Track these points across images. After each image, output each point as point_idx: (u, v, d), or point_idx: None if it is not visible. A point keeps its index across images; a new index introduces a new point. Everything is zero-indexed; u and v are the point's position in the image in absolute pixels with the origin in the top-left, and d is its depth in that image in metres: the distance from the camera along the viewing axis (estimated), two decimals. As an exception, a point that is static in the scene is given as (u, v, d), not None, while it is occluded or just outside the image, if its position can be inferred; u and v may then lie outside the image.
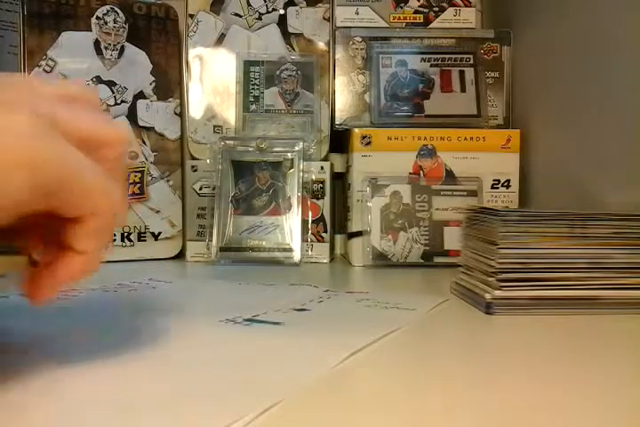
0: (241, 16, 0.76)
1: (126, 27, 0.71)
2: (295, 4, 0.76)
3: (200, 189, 0.72)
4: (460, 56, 0.75)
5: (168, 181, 0.73)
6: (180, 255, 0.73)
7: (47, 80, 0.27)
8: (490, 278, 0.42)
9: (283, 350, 0.32)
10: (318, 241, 0.72)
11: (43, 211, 0.23)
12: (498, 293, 0.41)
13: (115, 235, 0.70)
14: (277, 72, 0.75)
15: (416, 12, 0.79)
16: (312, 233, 0.72)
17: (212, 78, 0.76)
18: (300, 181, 0.70)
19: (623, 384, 0.28)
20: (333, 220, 0.75)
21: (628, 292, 0.42)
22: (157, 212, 0.72)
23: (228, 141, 0.72)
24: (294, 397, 0.25)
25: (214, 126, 0.75)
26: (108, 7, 0.70)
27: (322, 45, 0.77)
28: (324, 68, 0.76)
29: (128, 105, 0.71)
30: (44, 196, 0.23)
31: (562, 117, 0.65)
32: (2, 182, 0.21)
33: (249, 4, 0.76)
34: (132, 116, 0.71)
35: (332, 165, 0.74)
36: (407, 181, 0.69)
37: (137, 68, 0.72)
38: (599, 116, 0.57)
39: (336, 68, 0.76)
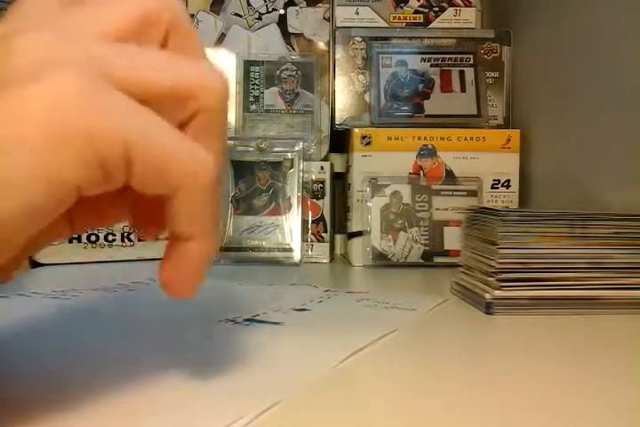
0: (241, 16, 0.76)
1: (126, 27, 0.71)
2: (295, 4, 0.76)
3: (200, 189, 0.72)
4: (459, 56, 0.75)
5: (168, 181, 0.73)
6: (180, 255, 0.73)
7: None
8: (490, 278, 0.42)
9: (283, 350, 0.32)
10: (318, 241, 0.72)
11: (125, 190, 0.20)
12: (498, 293, 0.41)
13: (115, 235, 0.70)
14: (277, 72, 0.75)
15: (416, 12, 0.79)
16: (312, 233, 0.72)
17: (212, 78, 0.76)
18: (300, 181, 0.70)
19: (623, 384, 0.28)
20: (333, 220, 0.75)
21: (628, 292, 0.42)
22: (157, 212, 0.72)
23: (228, 141, 0.72)
24: (294, 397, 0.24)
25: (214, 126, 0.75)
26: (108, 7, 0.70)
27: (322, 45, 0.77)
28: (324, 68, 0.76)
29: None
30: (105, 173, 0.18)
31: (562, 117, 0.65)
32: (46, 165, 0.17)
33: (249, 4, 0.76)
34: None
35: (332, 165, 0.74)
36: (407, 181, 0.69)
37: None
38: (599, 116, 0.57)
39: (336, 68, 0.76)
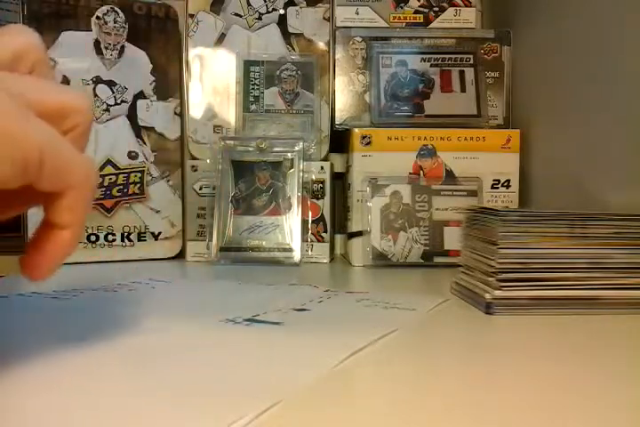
0: (241, 16, 0.76)
1: (126, 26, 0.71)
2: (295, 4, 0.76)
3: (200, 189, 0.72)
4: (459, 56, 0.75)
5: (168, 181, 0.73)
6: (180, 255, 0.73)
7: None
8: (490, 278, 0.42)
9: (283, 351, 0.32)
10: (318, 241, 0.72)
11: (23, 188, 0.24)
12: (498, 293, 0.41)
13: (115, 235, 0.70)
14: (277, 72, 0.75)
15: (416, 12, 0.79)
16: (312, 233, 0.72)
17: (212, 78, 0.76)
18: (300, 181, 0.70)
19: (623, 384, 0.28)
20: (333, 220, 0.75)
21: (628, 292, 0.42)
22: (157, 212, 0.72)
23: (227, 141, 0.72)
24: (294, 397, 0.25)
25: (214, 126, 0.75)
26: (108, 7, 0.70)
27: (322, 45, 0.77)
28: (324, 68, 0.76)
29: (128, 105, 0.71)
30: (23, 171, 0.23)
31: (562, 117, 0.65)
32: None
33: (249, 4, 0.76)
34: (131, 116, 0.71)
35: (332, 165, 0.74)
36: (407, 181, 0.69)
37: (137, 67, 0.72)
38: (599, 116, 0.57)
39: (336, 68, 0.76)
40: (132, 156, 0.71)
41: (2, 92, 0.23)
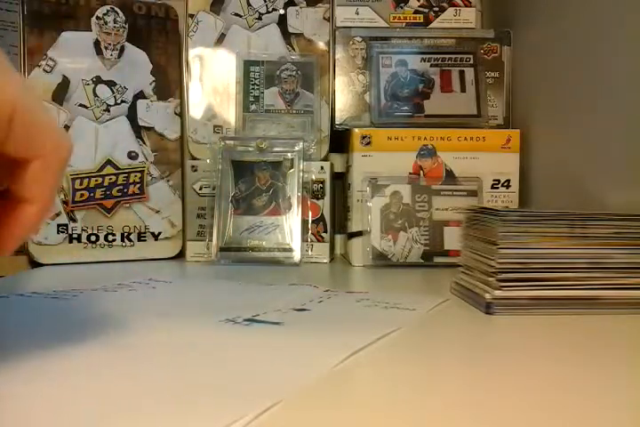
0: (241, 16, 0.76)
1: (126, 27, 0.71)
2: (295, 4, 0.76)
3: (200, 189, 0.72)
4: (460, 56, 0.75)
5: (168, 181, 0.73)
6: (180, 255, 0.73)
7: None
8: (490, 278, 0.42)
9: (283, 350, 0.32)
10: (318, 241, 0.72)
11: None
12: (498, 293, 0.41)
13: (115, 235, 0.70)
14: (277, 72, 0.75)
15: (416, 12, 0.79)
16: (312, 233, 0.72)
17: (212, 78, 0.76)
18: (300, 181, 0.70)
19: (623, 384, 0.28)
20: (333, 220, 0.75)
21: (628, 292, 0.42)
22: (157, 212, 0.72)
23: (228, 141, 0.72)
24: (294, 397, 0.25)
25: (214, 126, 0.75)
26: (108, 7, 0.70)
27: (322, 45, 0.77)
28: (324, 68, 0.76)
29: (128, 105, 0.71)
30: None
31: (562, 117, 0.65)
32: None
33: (249, 4, 0.76)
34: (131, 116, 0.71)
35: (332, 165, 0.74)
36: (407, 181, 0.69)
37: (137, 67, 0.72)
38: (599, 116, 0.57)
39: (336, 68, 0.76)
40: (132, 156, 0.71)
41: None
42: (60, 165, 0.25)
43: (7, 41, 0.72)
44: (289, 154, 0.71)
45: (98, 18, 0.69)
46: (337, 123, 0.75)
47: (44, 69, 0.67)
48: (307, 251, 0.71)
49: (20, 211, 0.25)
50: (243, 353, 0.31)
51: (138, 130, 0.71)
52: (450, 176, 0.69)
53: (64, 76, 0.68)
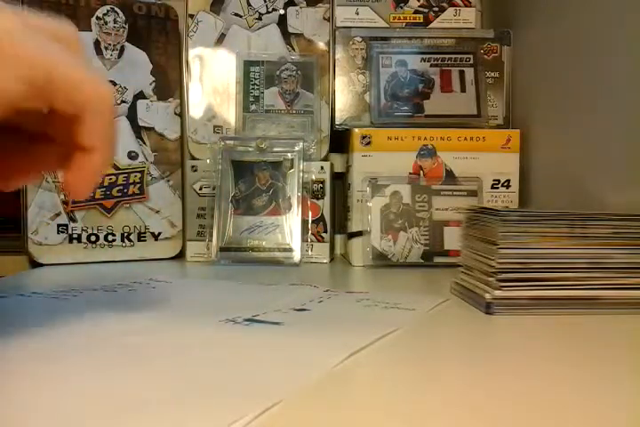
0: (241, 16, 0.76)
1: (126, 27, 0.71)
2: (295, 4, 0.76)
3: (200, 189, 0.72)
4: (459, 56, 0.75)
5: (168, 181, 0.73)
6: (180, 255, 0.73)
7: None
8: (490, 278, 0.42)
9: (283, 351, 0.32)
10: (318, 241, 0.72)
11: (40, 108, 0.26)
12: (498, 293, 0.41)
13: (115, 235, 0.70)
14: (277, 72, 0.75)
15: (416, 11, 0.79)
16: (312, 233, 0.72)
17: (212, 78, 0.76)
18: (300, 181, 0.70)
19: (623, 384, 0.28)
20: (333, 220, 0.75)
21: (628, 292, 0.42)
22: (157, 212, 0.72)
23: (227, 141, 0.72)
24: (294, 397, 0.25)
25: (214, 126, 0.75)
26: (108, 7, 0.70)
27: (322, 45, 0.77)
28: (324, 68, 0.76)
29: (128, 105, 0.71)
30: (33, 88, 0.25)
31: (562, 117, 0.65)
32: None
33: (249, 4, 0.76)
34: (131, 116, 0.71)
35: (332, 165, 0.74)
36: (407, 181, 0.69)
37: (137, 68, 0.72)
38: (599, 116, 0.57)
39: (336, 68, 0.76)
40: (132, 156, 0.71)
41: (15, 17, 0.25)
42: (108, 112, 0.28)
43: (7, 41, 0.72)
44: (289, 154, 0.71)
45: (98, 18, 0.69)
46: (337, 123, 0.75)
47: (44, 69, 0.67)
48: (307, 251, 0.71)
49: (85, 159, 0.28)
50: (243, 353, 0.31)
51: (138, 130, 0.71)
52: (450, 176, 0.69)
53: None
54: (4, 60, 0.24)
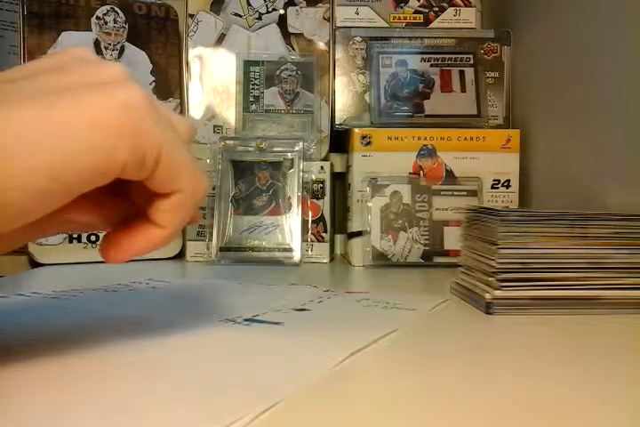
0: (241, 16, 0.76)
1: (126, 27, 0.71)
2: (295, 4, 0.76)
3: (200, 189, 0.72)
4: (459, 56, 0.75)
5: (168, 181, 0.73)
6: (180, 255, 0.73)
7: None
8: (490, 278, 0.42)
9: (282, 351, 0.32)
10: (318, 241, 0.72)
11: (134, 180, 0.26)
12: (498, 293, 0.41)
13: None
14: (277, 72, 0.75)
15: (416, 12, 0.79)
16: (312, 233, 0.72)
17: (211, 78, 0.76)
18: (300, 181, 0.70)
19: (623, 384, 0.28)
20: (333, 220, 0.75)
21: (628, 292, 0.42)
22: (157, 212, 0.72)
23: (227, 141, 0.72)
24: (294, 397, 0.24)
25: (214, 126, 0.75)
26: (107, 7, 0.70)
27: (322, 45, 0.77)
28: (324, 68, 0.76)
29: (128, 105, 0.71)
30: (140, 164, 0.25)
31: (562, 117, 0.65)
32: (110, 143, 0.24)
33: (249, 4, 0.76)
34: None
35: (331, 165, 0.74)
36: (407, 181, 0.69)
37: (137, 68, 0.72)
38: (599, 116, 0.57)
39: (336, 68, 0.76)
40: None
41: (142, 90, 0.25)
42: (196, 201, 0.28)
43: (7, 41, 0.72)
44: (289, 154, 0.71)
45: (98, 18, 0.69)
46: (337, 123, 0.75)
47: (43, 69, 0.67)
48: (307, 251, 0.71)
49: (149, 232, 0.28)
50: (242, 353, 0.31)
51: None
52: (450, 176, 0.69)
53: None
54: (125, 128, 0.24)
